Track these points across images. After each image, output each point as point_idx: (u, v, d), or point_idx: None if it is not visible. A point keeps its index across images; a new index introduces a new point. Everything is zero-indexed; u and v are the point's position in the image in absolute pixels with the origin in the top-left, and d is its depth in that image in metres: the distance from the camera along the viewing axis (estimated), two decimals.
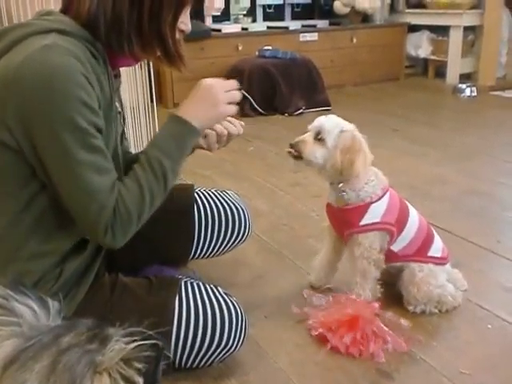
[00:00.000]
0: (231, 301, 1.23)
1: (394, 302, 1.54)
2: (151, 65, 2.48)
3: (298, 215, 2.21)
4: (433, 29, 5.11)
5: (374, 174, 1.47)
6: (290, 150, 1.43)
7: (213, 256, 1.53)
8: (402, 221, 1.48)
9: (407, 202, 1.54)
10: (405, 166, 2.75)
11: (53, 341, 0.74)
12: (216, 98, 1.15)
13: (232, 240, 1.52)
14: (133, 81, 2.52)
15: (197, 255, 1.50)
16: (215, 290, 1.24)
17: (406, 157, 2.92)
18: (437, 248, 1.53)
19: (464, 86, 4.55)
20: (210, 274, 1.67)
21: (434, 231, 1.56)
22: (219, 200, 1.52)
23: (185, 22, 1.11)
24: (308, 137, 1.42)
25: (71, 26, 1.02)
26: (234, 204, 1.53)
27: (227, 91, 1.17)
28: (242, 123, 1.31)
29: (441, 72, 5.14)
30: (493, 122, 3.73)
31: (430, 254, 1.51)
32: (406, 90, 4.85)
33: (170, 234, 1.44)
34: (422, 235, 1.51)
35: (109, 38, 1.05)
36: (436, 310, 1.51)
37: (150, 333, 0.75)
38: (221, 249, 1.52)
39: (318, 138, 1.40)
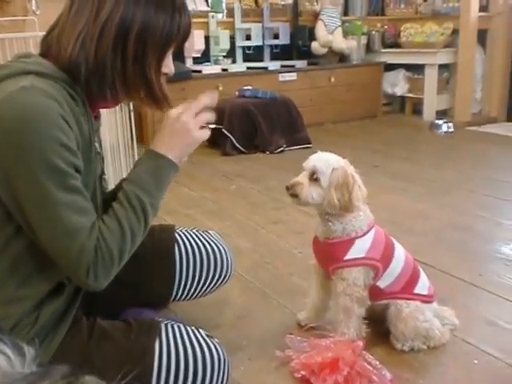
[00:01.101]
0: (213, 343, 1.20)
1: (381, 340, 1.53)
2: (131, 104, 2.49)
3: (280, 253, 2.20)
4: (408, 67, 5.24)
5: (362, 209, 1.47)
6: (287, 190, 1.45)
7: (194, 298, 1.50)
8: (387, 257, 1.48)
9: (393, 239, 1.54)
10: (386, 202, 2.76)
11: None
12: (186, 128, 1.12)
13: (214, 281, 1.50)
14: (113, 120, 2.52)
15: (178, 297, 1.47)
16: (197, 332, 1.21)
17: (387, 192, 2.94)
18: (423, 285, 1.52)
19: (441, 122, 4.64)
20: (191, 315, 1.64)
21: (420, 269, 1.56)
22: (200, 240, 1.49)
23: (168, 64, 1.12)
24: (303, 178, 1.44)
25: (49, 68, 1.02)
26: (215, 244, 1.50)
27: (197, 115, 1.14)
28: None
29: (418, 109, 5.25)
30: (470, 157, 3.80)
31: (417, 291, 1.50)
32: (384, 127, 4.93)
33: (151, 276, 1.42)
34: (408, 272, 1.51)
35: (89, 83, 1.04)
36: (424, 346, 1.50)
37: None
38: (202, 290, 1.49)
39: (314, 177, 1.43)
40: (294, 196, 1.44)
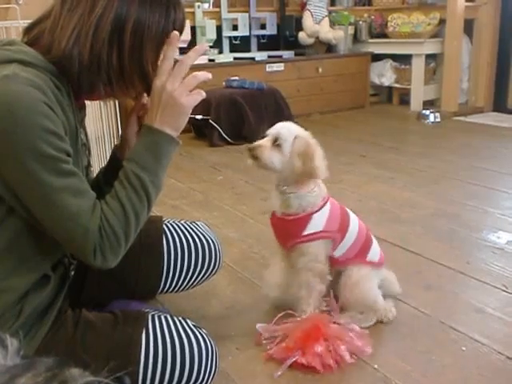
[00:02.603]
0: (201, 333, 1.19)
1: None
2: None
3: (268, 243, 2.18)
4: (396, 58, 5.24)
5: (315, 183, 1.50)
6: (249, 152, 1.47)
7: (183, 290, 1.49)
8: (343, 228, 1.53)
9: (347, 209, 1.58)
10: (374, 191, 2.77)
11: (8, 382, 0.69)
12: (173, 97, 1.06)
13: (202, 273, 1.48)
14: (98, 111, 2.49)
15: (166, 289, 1.45)
16: (184, 323, 1.20)
17: (374, 182, 2.94)
18: (375, 252, 1.59)
19: (428, 112, 4.65)
20: (179, 306, 1.63)
21: (373, 236, 1.61)
22: (189, 232, 1.48)
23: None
24: (266, 142, 1.46)
25: (34, 57, 0.99)
26: (204, 236, 1.49)
27: (182, 81, 1.08)
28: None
29: (405, 99, 5.26)
30: (457, 146, 3.81)
31: (369, 258, 1.57)
32: (371, 118, 4.94)
33: (138, 267, 1.40)
34: (362, 239, 1.56)
35: (82, 77, 1.03)
36: (364, 325, 1.52)
37: (116, 375, 0.72)
38: (190, 282, 1.48)
39: (276, 143, 1.45)
40: (255, 158, 1.46)
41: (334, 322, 1.47)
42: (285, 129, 1.47)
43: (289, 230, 1.50)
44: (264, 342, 1.48)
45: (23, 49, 1.01)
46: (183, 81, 1.08)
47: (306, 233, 1.47)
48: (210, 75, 1.12)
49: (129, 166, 1.07)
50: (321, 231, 1.48)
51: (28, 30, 1.07)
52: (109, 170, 1.30)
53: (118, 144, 1.31)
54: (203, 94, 1.10)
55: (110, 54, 1.02)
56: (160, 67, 1.08)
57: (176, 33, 1.08)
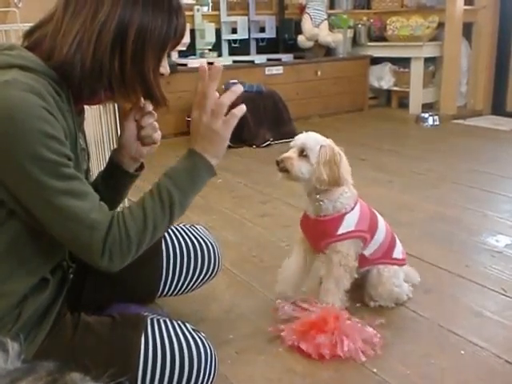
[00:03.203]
0: (200, 337, 1.19)
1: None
2: None
3: (267, 246, 2.19)
4: (394, 61, 5.24)
5: (347, 186, 1.56)
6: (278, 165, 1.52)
7: (182, 293, 1.48)
8: (373, 227, 1.61)
9: (374, 210, 1.66)
10: (373, 194, 2.76)
11: None
12: (211, 129, 1.12)
13: (201, 277, 1.48)
14: (97, 115, 2.49)
15: (165, 293, 1.45)
16: (183, 327, 1.19)
17: (373, 185, 2.94)
18: (398, 251, 1.69)
19: (427, 115, 4.66)
20: (178, 310, 1.63)
21: (395, 235, 1.71)
22: (188, 235, 1.48)
23: (164, 65, 1.12)
24: (293, 153, 1.51)
25: (34, 62, 0.99)
26: (203, 239, 1.49)
27: (214, 108, 1.12)
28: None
29: (404, 102, 5.27)
30: (456, 150, 3.82)
31: (394, 256, 1.67)
32: (370, 121, 4.94)
33: (137, 271, 1.38)
34: (388, 239, 1.66)
35: (83, 83, 1.03)
36: (393, 304, 1.67)
37: (117, 381, 0.72)
38: (190, 286, 1.47)
39: (303, 154, 1.50)
40: (284, 171, 1.51)
41: (349, 319, 1.52)
42: (310, 139, 1.52)
43: (324, 230, 1.57)
44: (280, 317, 1.57)
45: (23, 54, 1.01)
46: (213, 111, 1.12)
47: (339, 232, 1.55)
48: (239, 89, 1.19)
49: (164, 181, 1.09)
50: (353, 230, 1.56)
51: (28, 34, 1.07)
52: (107, 175, 1.30)
53: (115, 148, 1.31)
54: (240, 112, 1.15)
55: (112, 60, 1.02)
56: (203, 106, 1.12)
57: (204, 66, 1.13)
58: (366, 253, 1.62)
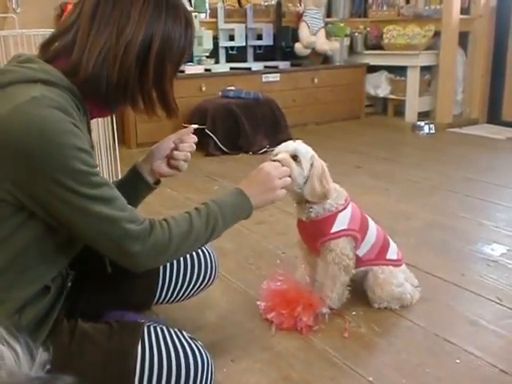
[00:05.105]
0: (197, 345, 1.19)
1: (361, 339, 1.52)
2: None
3: (264, 254, 2.19)
4: (391, 69, 5.27)
5: (333, 189, 1.61)
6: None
7: (178, 301, 1.49)
8: (364, 228, 1.67)
9: (364, 213, 1.71)
10: (369, 202, 2.76)
11: None
12: (273, 184, 1.30)
13: (198, 285, 1.48)
14: (95, 121, 2.50)
15: (161, 300, 1.45)
16: (180, 335, 1.19)
17: (369, 193, 2.95)
18: (393, 251, 1.73)
19: (422, 123, 4.68)
20: (174, 317, 1.63)
21: (388, 237, 1.75)
22: None
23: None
24: (288, 158, 1.52)
25: (56, 76, 1.01)
26: (200, 247, 1.49)
27: (282, 177, 1.32)
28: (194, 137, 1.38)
29: (400, 110, 5.28)
30: (452, 158, 3.83)
31: (388, 256, 1.71)
32: (366, 128, 4.96)
33: (134, 278, 1.39)
34: (380, 240, 1.70)
35: (108, 97, 1.08)
36: (397, 306, 1.71)
37: None
38: (186, 294, 1.48)
39: (297, 160, 1.54)
40: None
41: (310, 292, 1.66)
42: (300, 146, 1.57)
43: (318, 230, 1.62)
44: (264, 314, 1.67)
45: (45, 68, 1.02)
46: (283, 179, 1.33)
47: (333, 230, 1.61)
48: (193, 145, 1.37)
49: (215, 208, 1.19)
50: (346, 229, 1.62)
51: (45, 45, 1.09)
52: (127, 182, 1.35)
53: (143, 158, 1.37)
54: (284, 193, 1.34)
55: (135, 74, 1.07)
56: (283, 182, 1.32)
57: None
58: (359, 253, 1.67)
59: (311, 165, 1.55)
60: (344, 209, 1.62)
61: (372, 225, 1.70)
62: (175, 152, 1.34)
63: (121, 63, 1.04)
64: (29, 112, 0.93)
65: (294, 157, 1.53)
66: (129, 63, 1.04)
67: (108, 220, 1.01)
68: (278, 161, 1.49)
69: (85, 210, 0.99)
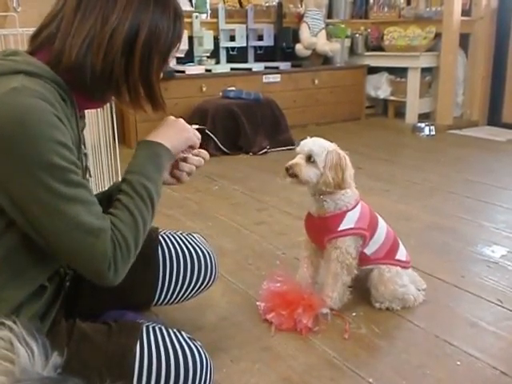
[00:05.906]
0: (196, 346, 1.18)
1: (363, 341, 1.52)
2: (113, 104, 2.46)
3: (263, 254, 2.18)
4: (391, 70, 5.26)
5: (350, 178, 1.65)
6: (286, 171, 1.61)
7: (177, 302, 1.47)
8: (372, 227, 1.69)
9: (376, 213, 1.74)
10: (370, 203, 2.73)
11: None
12: (184, 125, 1.22)
13: (198, 286, 1.47)
14: (95, 120, 2.49)
15: (160, 301, 1.44)
16: (179, 335, 1.19)
17: (369, 194, 2.93)
18: (402, 253, 1.75)
19: (423, 125, 4.68)
20: (174, 317, 1.62)
21: (399, 239, 1.77)
22: (185, 244, 1.46)
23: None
24: (301, 160, 1.60)
25: (40, 67, 0.99)
26: (199, 248, 1.47)
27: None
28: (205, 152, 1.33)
29: (400, 112, 5.28)
30: (452, 160, 3.83)
31: (397, 257, 1.73)
32: (367, 130, 4.96)
33: (133, 279, 1.37)
34: (390, 241, 1.72)
35: (93, 87, 1.04)
36: (399, 307, 1.71)
37: None
38: (185, 295, 1.46)
39: (311, 160, 1.58)
40: (294, 176, 1.60)
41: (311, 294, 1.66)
42: (316, 145, 1.60)
43: (326, 227, 1.66)
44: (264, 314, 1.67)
45: (29, 59, 1.01)
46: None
47: (340, 228, 1.63)
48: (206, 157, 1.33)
49: (134, 178, 1.09)
50: (353, 228, 1.64)
51: (33, 38, 1.07)
52: None
53: None
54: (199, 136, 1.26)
55: (120, 64, 1.04)
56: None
57: None
58: (368, 251, 1.69)
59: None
60: (353, 208, 1.65)
61: (382, 224, 1.72)
62: (181, 163, 1.28)
63: (105, 52, 1.01)
64: (8, 103, 0.91)
65: (309, 157, 1.58)
66: (114, 52, 1.02)
67: (79, 225, 0.96)
68: (290, 166, 1.58)
69: (55, 209, 0.94)
